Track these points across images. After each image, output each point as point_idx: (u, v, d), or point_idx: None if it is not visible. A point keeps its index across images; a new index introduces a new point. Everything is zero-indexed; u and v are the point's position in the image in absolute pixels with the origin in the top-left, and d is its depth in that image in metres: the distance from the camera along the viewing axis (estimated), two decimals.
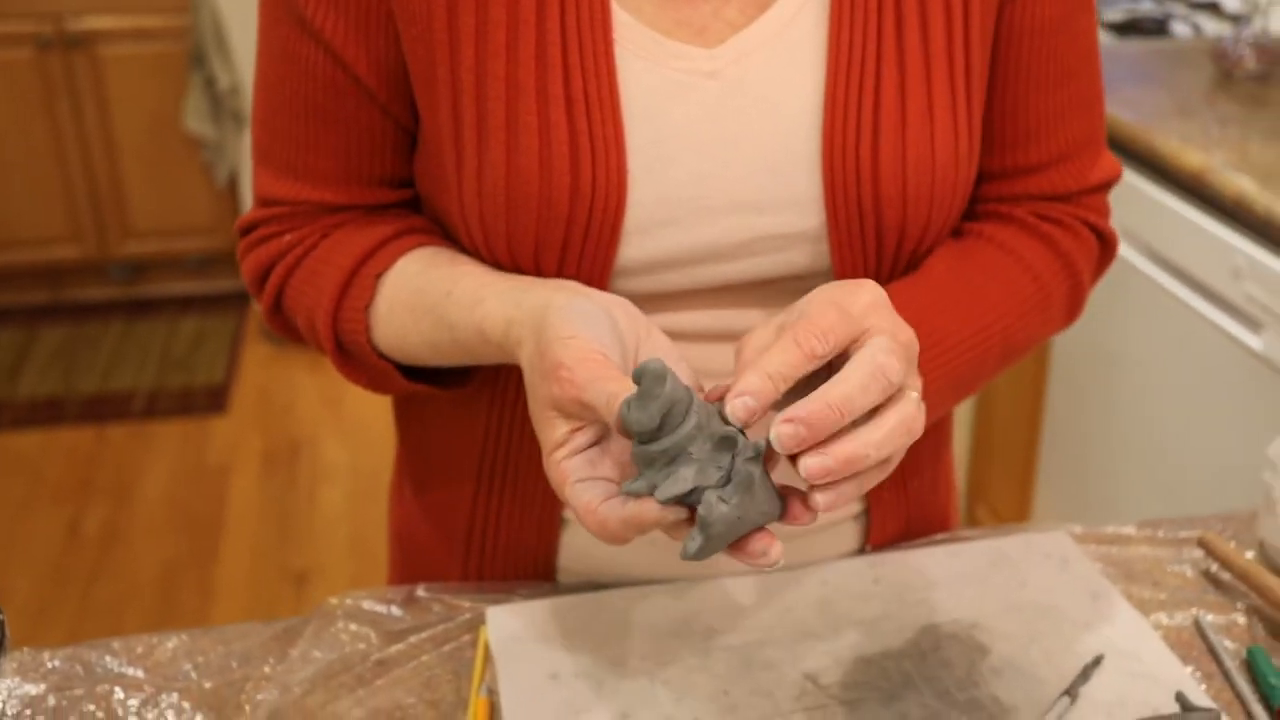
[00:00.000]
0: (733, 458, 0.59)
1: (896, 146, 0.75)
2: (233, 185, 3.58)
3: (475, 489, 0.86)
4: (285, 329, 0.85)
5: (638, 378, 0.58)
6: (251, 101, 0.83)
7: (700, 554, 0.59)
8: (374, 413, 3.00)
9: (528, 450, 0.83)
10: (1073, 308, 0.86)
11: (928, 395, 0.70)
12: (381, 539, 2.75)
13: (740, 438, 0.59)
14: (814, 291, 0.64)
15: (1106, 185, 0.86)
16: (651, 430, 0.58)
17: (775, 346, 0.59)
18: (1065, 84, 0.81)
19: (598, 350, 0.62)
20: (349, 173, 0.81)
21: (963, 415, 2.38)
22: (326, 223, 0.82)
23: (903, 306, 0.67)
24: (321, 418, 3.13)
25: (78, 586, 2.56)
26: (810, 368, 0.59)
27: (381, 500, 2.78)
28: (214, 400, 3.23)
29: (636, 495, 0.59)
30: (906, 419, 0.60)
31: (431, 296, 0.76)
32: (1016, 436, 2.27)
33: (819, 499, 0.59)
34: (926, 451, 0.90)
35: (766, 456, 0.60)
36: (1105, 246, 0.87)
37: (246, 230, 0.84)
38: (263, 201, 0.83)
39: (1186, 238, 1.73)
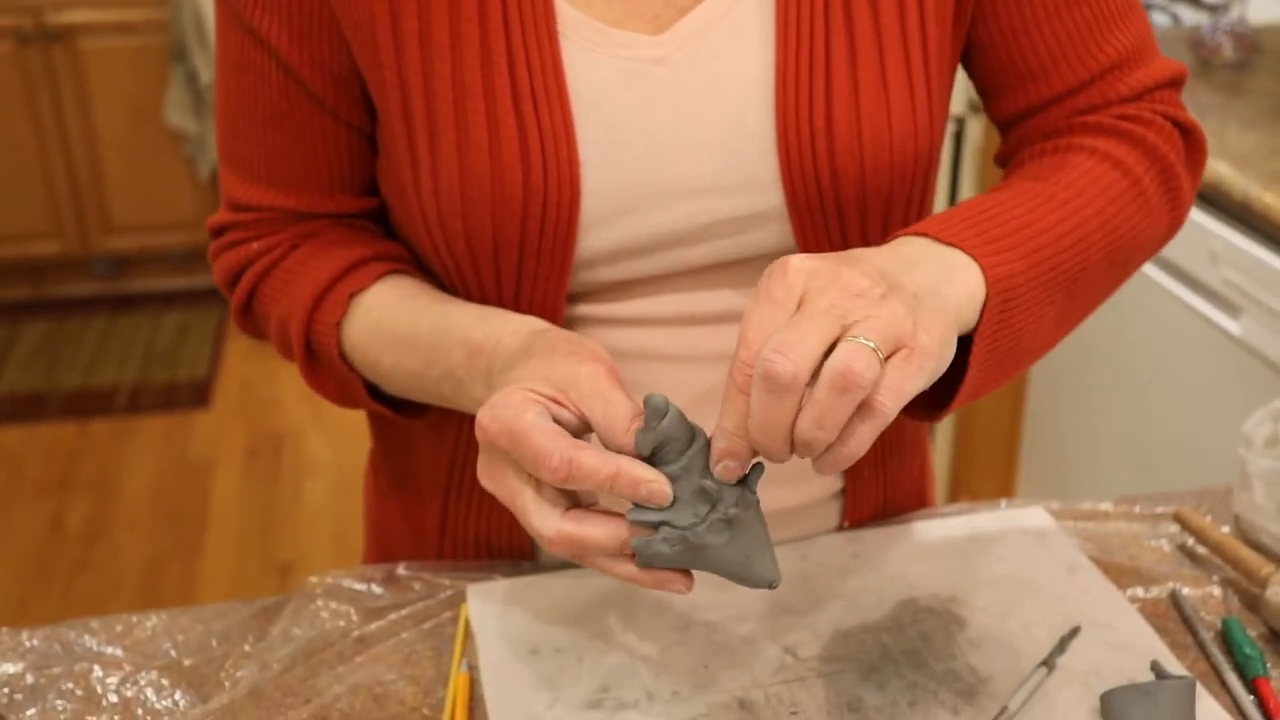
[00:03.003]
0: (710, 510, 0.62)
1: (851, 120, 0.75)
2: (215, 180, 3.56)
3: (446, 493, 0.87)
4: (253, 330, 0.86)
5: (645, 405, 0.62)
6: (214, 105, 0.83)
7: (641, 563, 0.63)
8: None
9: None
10: (1174, 203, 0.80)
11: (1028, 287, 0.68)
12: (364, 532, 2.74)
13: (725, 495, 0.62)
14: (748, 305, 0.61)
15: (1172, 82, 0.82)
16: (645, 457, 0.62)
17: (724, 398, 0.59)
18: (1077, 2, 0.79)
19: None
20: (309, 179, 0.81)
21: None
22: (295, 231, 0.82)
23: (963, 209, 0.67)
24: (305, 412, 3.12)
25: (60, 581, 2.55)
26: (789, 415, 0.58)
27: None
28: (197, 395, 3.23)
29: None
30: (836, 379, 0.56)
31: (412, 324, 0.76)
32: (998, 425, 2.28)
33: (817, 469, 0.60)
34: (908, 430, 0.91)
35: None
36: (1190, 138, 0.82)
37: (217, 232, 0.85)
38: (231, 205, 0.83)
39: None
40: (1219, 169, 1.62)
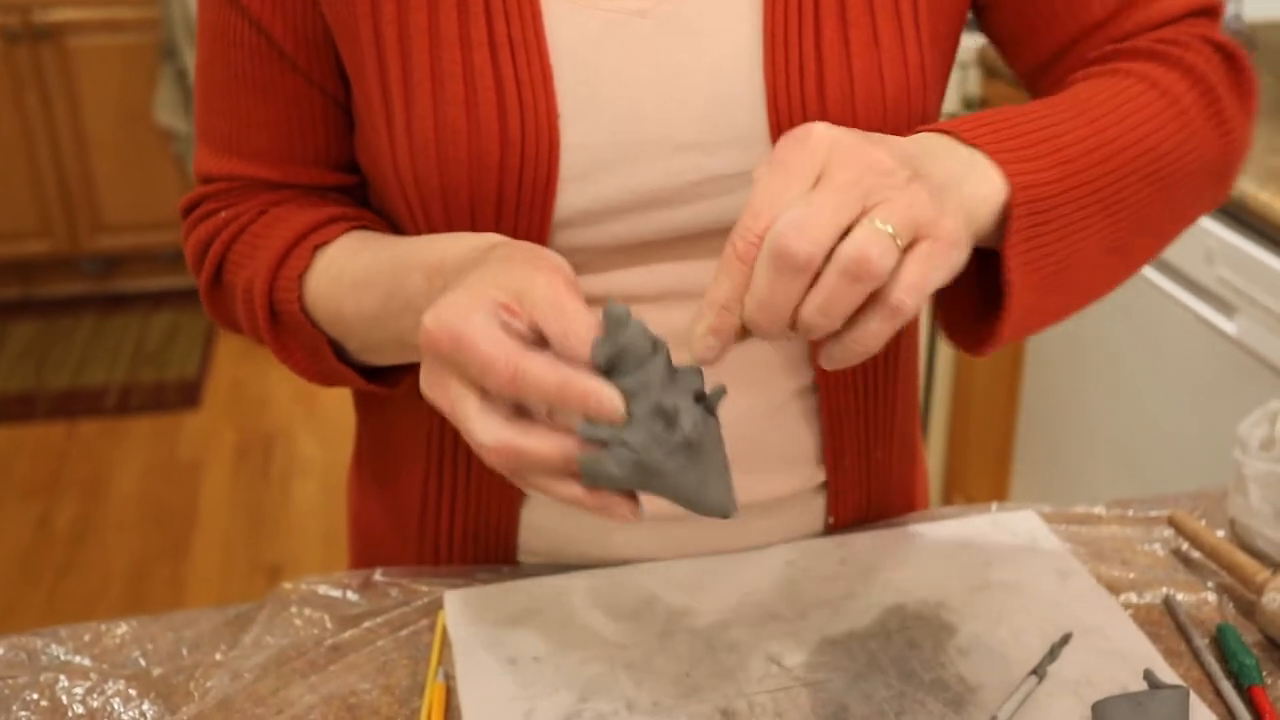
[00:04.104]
0: (667, 431, 0.58)
1: (843, 79, 0.72)
2: None
3: (427, 469, 0.84)
4: (221, 310, 0.84)
5: (604, 313, 0.57)
6: (194, 82, 0.82)
7: (589, 486, 0.59)
8: (346, 407, 2.97)
9: None
10: (1221, 126, 0.75)
11: (1059, 201, 0.64)
12: None
13: (684, 415, 0.58)
14: (760, 168, 0.58)
15: (1205, 10, 0.78)
16: (600, 368, 0.58)
17: (719, 266, 0.56)
18: None
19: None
20: (283, 149, 0.79)
21: (939, 405, 2.37)
22: (265, 199, 0.81)
23: (987, 114, 0.64)
24: (294, 412, 3.10)
25: (46, 582, 2.53)
26: (797, 297, 0.55)
27: None
28: (187, 395, 3.20)
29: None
30: (848, 264, 0.53)
31: (371, 262, 0.74)
32: (992, 425, 2.27)
33: (822, 361, 0.58)
34: (896, 420, 0.89)
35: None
36: (1231, 60, 0.76)
37: (188, 210, 0.83)
38: (202, 179, 0.82)
39: None
40: None
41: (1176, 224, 0.76)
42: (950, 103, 2.07)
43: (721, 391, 0.60)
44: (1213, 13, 0.79)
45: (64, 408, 3.15)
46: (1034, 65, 0.81)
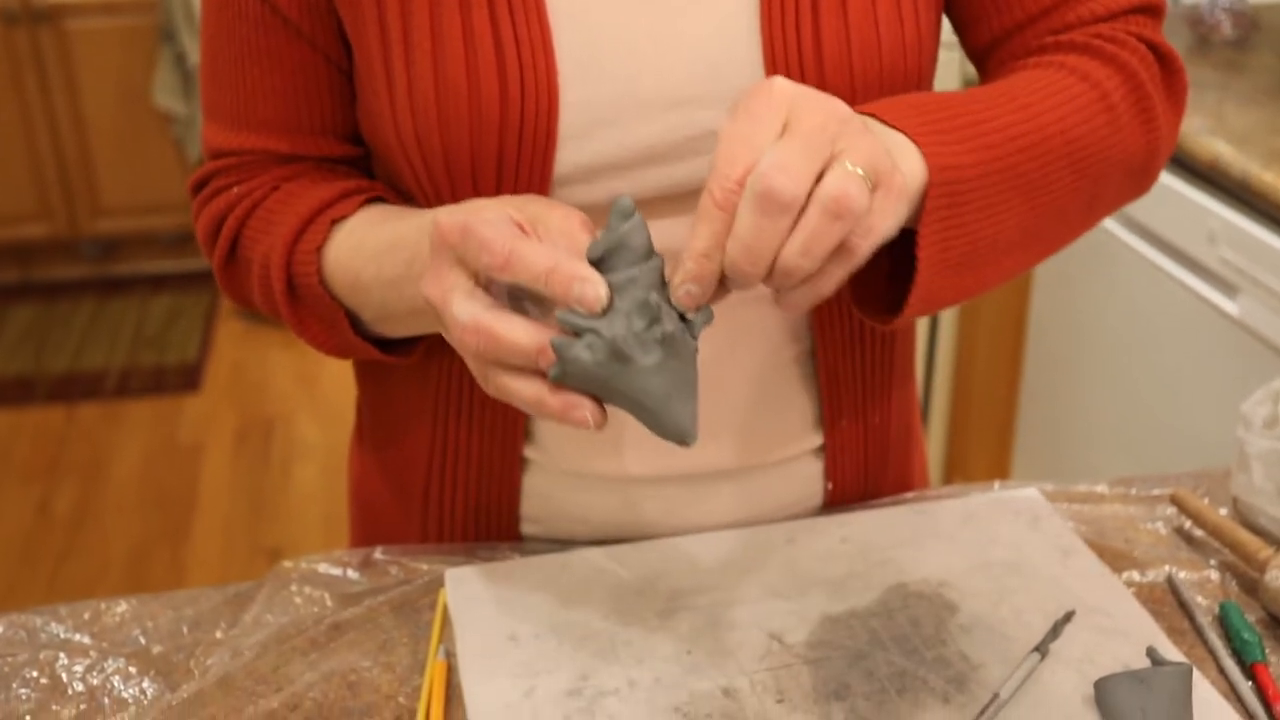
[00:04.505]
0: (648, 326, 0.58)
1: (839, 33, 0.73)
2: (202, 160, 3.53)
3: (431, 436, 0.84)
4: (235, 287, 0.84)
5: (615, 204, 0.59)
6: (200, 60, 0.82)
7: (556, 380, 0.59)
8: (347, 390, 2.97)
9: (481, 392, 0.81)
10: (1149, 125, 0.77)
11: (979, 183, 0.66)
12: None
13: (665, 315, 0.59)
14: (726, 120, 0.59)
15: (1147, 8, 0.79)
16: (594, 261, 0.59)
17: (698, 215, 0.57)
18: None
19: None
20: (290, 119, 0.79)
21: (940, 386, 2.37)
22: (277, 174, 0.81)
23: (913, 97, 0.67)
24: (295, 395, 3.10)
25: (47, 565, 2.53)
26: (780, 239, 0.56)
27: None
28: (187, 378, 3.20)
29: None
30: (830, 204, 0.55)
31: (394, 230, 0.74)
32: (993, 406, 2.27)
33: (783, 307, 0.59)
34: (894, 381, 0.88)
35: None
36: (1165, 63, 0.78)
37: (198, 187, 0.83)
38: (211, 154, 0.82)
39: (1162, 203, 1.71)
40: (1217, 147, 1.59)
41: (1092, 215, 0.77)
42: (952, 82, 2.06)
43: (708, 315, 0.61)
44: (1154, 11, 0.80)
45: (63, 391, 3.15)
46: (980, 47, 0.82)
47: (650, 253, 0.59)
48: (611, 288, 0.58)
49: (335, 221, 0.77)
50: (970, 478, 2.36)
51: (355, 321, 0.79)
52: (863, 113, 0.65)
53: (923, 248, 0.65)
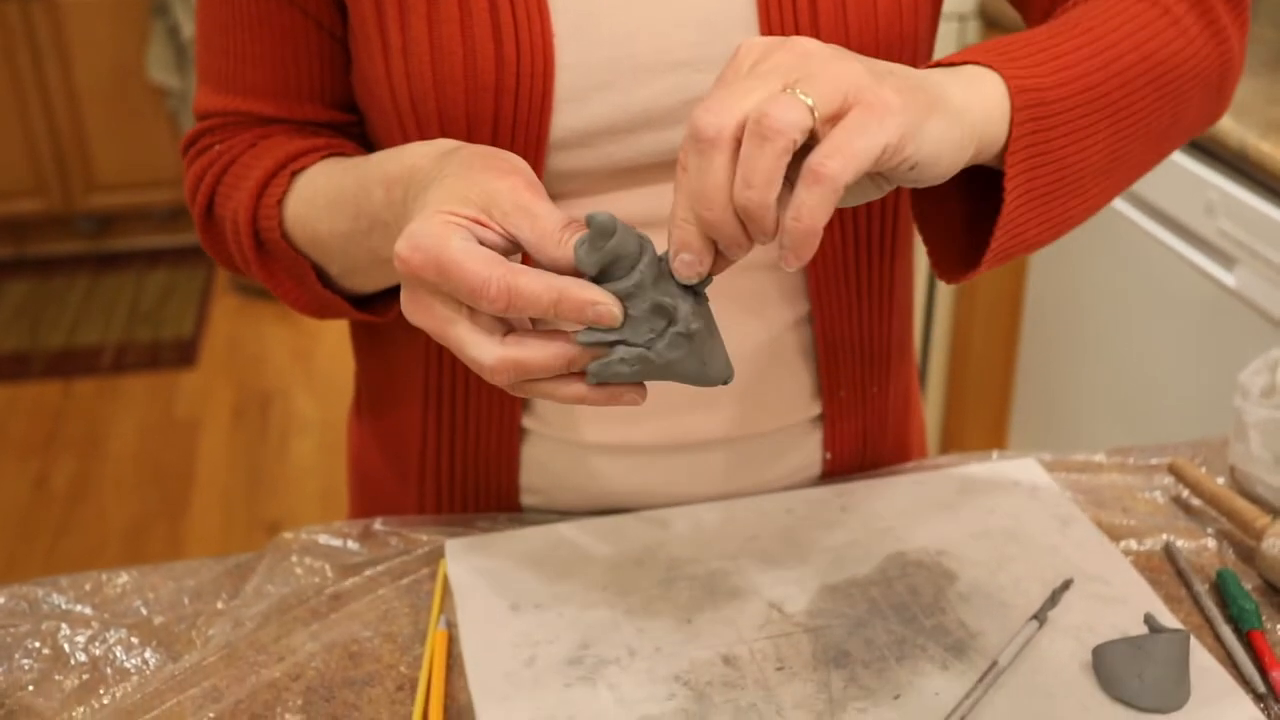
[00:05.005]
0: (667, 325, 0.58)
1: None
2: None
3: (427, 406, 0.84)
4: (215, 244, 0.83)
5: (587, 224, 0.57)
6: (195, 25, 0.81)
7: (594, 384, 0.60)
8: (344, 364, 2.96)
9: None
10: (1218, 37, 0.75)
11: (1063, 105, 0.64)
12: None
13: (680, 307, 0.58)
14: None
15: None
16: (592, 278, 0.58)
17: (679, 185, 0.56)
18: None
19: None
20: (279, 84, 0.79)
21: (937, 357, 2.37)
22: (256, 133, 0.81)
23: (979, 44, 0.64)
24: (291, 370, 3.09)
25: (45, 541, 2.53)
26: (720, 176, 0.54)
27: None
28: (183, 353, 3.20)
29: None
30: (754, 126, 0.52)
31: (340, 181, 0.73)
32: (990, 377, 2.27)
33: (782, 260, 0.56)
34: (892, 353, 0.88)
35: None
36: None
37: (187, 146, 0.83)
38: (200, 116, 0.82)
39: (1159, 174, 1.70)
40: None
41: (1176, 136, 0.75)
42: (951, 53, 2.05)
43: (708, 279, 0.60)
44: None
45: (60, 367, 3.14)
46: (1044, 16, 0.80)
47: (640, 248, 0.58)
48: (620, 296, 0.58)
49: (296, 173, 0.76)
50: (966, 448, 2.36)
51: (324, 276, 0.78)
52: (930, 65, 0.63)
53: (1010, 175, 0.63)
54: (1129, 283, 1.82)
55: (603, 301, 0.57)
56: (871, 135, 0.53)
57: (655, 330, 0.58)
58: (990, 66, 0.63)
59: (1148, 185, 1.75)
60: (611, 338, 0.58)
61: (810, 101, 0.53)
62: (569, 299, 0.57)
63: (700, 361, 0.60)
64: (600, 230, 0.57)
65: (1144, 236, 1.76)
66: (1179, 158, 1.67)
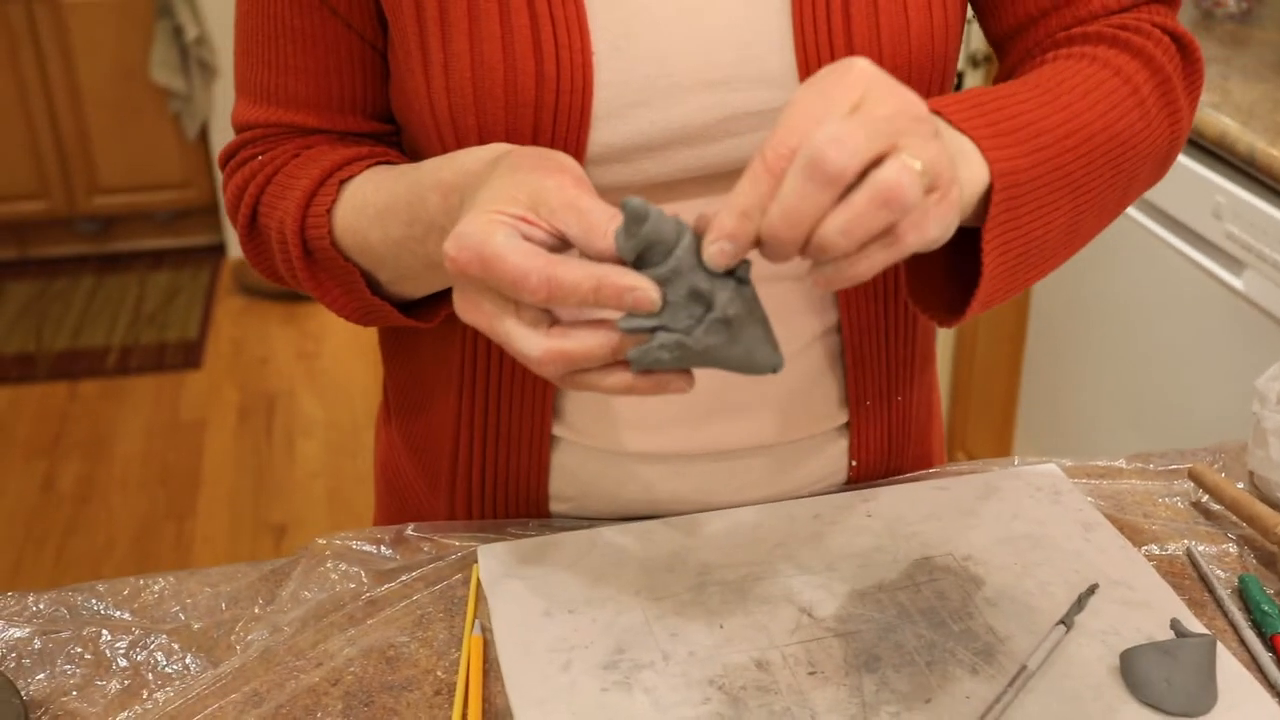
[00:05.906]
0: (706, 310, 0.59)
1: (870, 18, 0.74)
2: (204, 137, 3.53)
3: (458, 413, 0.85)
4: (259, 256, 0.84)
5: (623, 210, 0.58)
6: (234, 36, 0.83)
7: (638, 372, 0.61)
8: (350, 365, 2.98)
9: (508, 365, 0.82)
10: (1173, 118, 0.79)
11: (1033, 186, 0.67)
12: (359, 491, 2.74)
13: (719, 293, 0.59)
14: (798, 90, 0.59)
15: None
16: (632, 265, 0.59)
17: (745, 175, 0.57)
18: None
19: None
20: (321, 96, 0.80)
21: (942, 362, 2.38)
22: (299, 143, 0.81)
23: (972, 95, 0.67)
24: (297, 371, 3.10)
25: (53, 542, 2.54)
26: (822, 210, 0.56)
27: (358, 453, 2.77)
28: (188, 355, 3.21)
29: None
30: (881, 190, 0.55)
31: (392, 189, 0.74)
32: (996, 383, 2.28)
33: (814, 280, 0.58)
34: (916, 361, 0.89)
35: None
36: (1185, 50, 0.80)
37: (227, 158, 0.84)
38: (239, 128, 0.83)
39: (1168, 179, 1.71)
40: (1223, 122, 1.60)
41: (1122, 206, 0.79)
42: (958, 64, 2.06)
43: (748, 262, 0.60)
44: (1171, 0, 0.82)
45: (65, 368, 3.15)
46: (1001, 33, 0.83)
47: (678, 233, 0.59)
48: (659, 281, 0.58)
49: (344, 182, 0.77)
50: (972, 453, 2.37)
51: (373, 283, 0.79)
52: (931, 109, 0.65)
53: (988, 251, 0.66)
54: (1136, 287, 1.84)
55: (640, 287, 0.58)
56: (940, 228, 0.58)
57: (694, 316, 0.59)
58: (978, 142, 0.65)
59: (1155, 190, 1.76)
60: (651, 324, 0.59)
61: (921, 170, 0.56)
62: (607, 285, 0.58)
63: (744, 349, 0.60)
64: (634, 215, 0.58)
65: (1152, 241, 1.77)
66: (1186, 162, 1.68)
